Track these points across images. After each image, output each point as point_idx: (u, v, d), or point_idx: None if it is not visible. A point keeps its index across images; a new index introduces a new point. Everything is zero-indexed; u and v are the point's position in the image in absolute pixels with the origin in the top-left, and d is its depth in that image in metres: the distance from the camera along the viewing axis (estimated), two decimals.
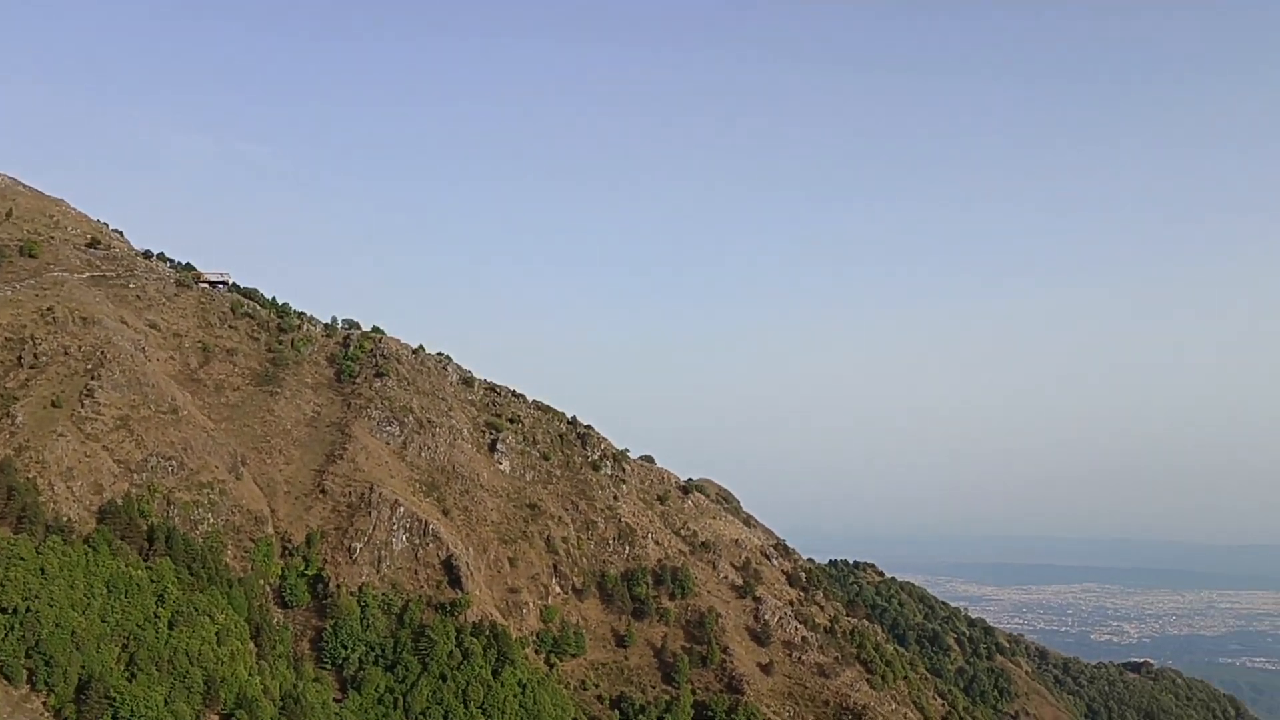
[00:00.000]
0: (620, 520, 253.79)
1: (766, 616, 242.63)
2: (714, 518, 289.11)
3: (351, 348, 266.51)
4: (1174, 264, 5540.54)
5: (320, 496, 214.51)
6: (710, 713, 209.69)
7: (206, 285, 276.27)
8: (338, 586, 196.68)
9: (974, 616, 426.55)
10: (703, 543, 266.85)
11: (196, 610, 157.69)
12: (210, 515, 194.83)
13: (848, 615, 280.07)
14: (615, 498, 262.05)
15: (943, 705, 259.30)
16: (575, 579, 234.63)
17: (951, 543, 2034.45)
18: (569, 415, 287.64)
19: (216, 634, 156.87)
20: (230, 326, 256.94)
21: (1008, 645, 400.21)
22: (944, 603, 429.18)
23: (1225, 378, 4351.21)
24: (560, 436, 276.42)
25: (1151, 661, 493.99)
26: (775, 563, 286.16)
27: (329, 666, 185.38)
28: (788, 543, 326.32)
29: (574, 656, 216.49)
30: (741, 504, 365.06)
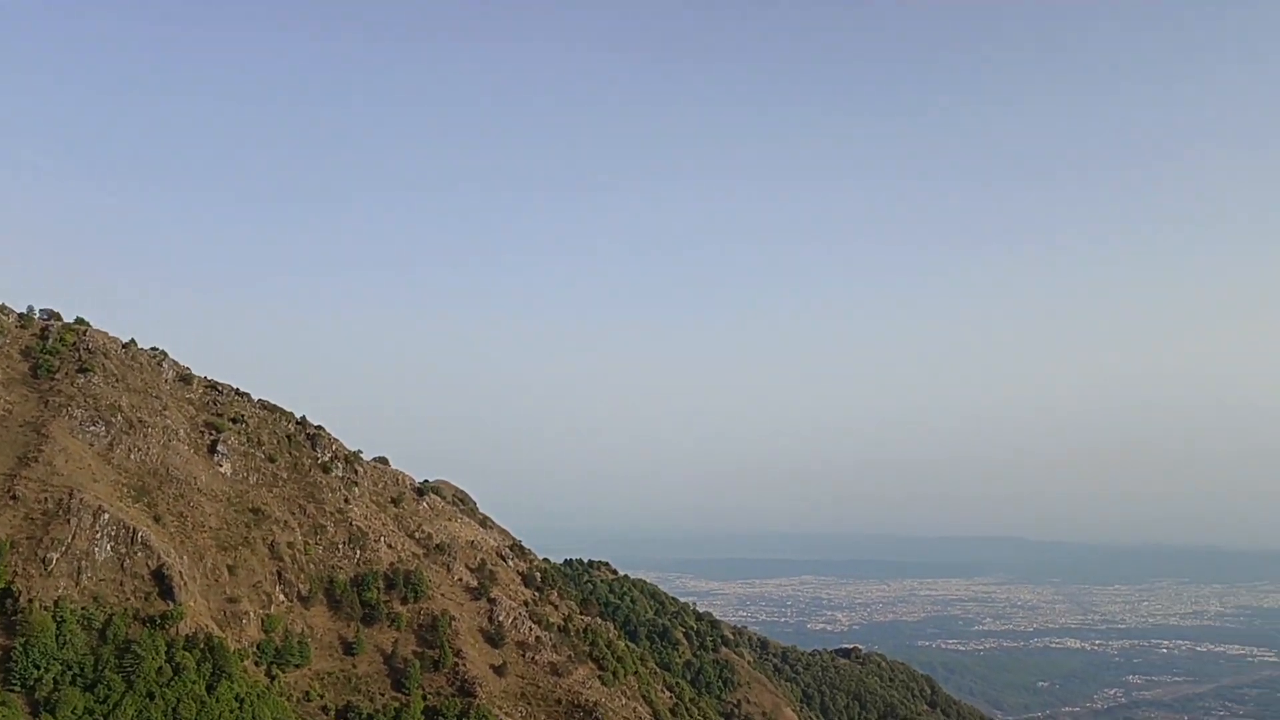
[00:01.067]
0: (351, 524, 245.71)
1: (500, 618, 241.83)
2: (450, 519, 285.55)
3: (51, 341, 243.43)
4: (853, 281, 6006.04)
5: (10, 503, 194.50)
6: (442, 717, 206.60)
7: None
8: (30, 601, 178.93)
9: (702, 611, 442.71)
10: (437, 545, 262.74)
11: None
12: None
13: (581, 613, 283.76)
14: (346, 500, 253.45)
15: (670, 698, 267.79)
16: (301, 586, 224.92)
17: (682, 541, 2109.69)
18: (298, 415, 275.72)
19: None
20: None
21: (732, 637, 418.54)
22: (674, 598, 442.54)
23: (921, 384, 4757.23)
24: (288, 437, 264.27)
25: (860, 647, 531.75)
26: (511, 563, 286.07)
27: (18, 688, 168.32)
28: (525, 543, 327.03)
29: (298, 667, 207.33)
30: (478, 505, 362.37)
